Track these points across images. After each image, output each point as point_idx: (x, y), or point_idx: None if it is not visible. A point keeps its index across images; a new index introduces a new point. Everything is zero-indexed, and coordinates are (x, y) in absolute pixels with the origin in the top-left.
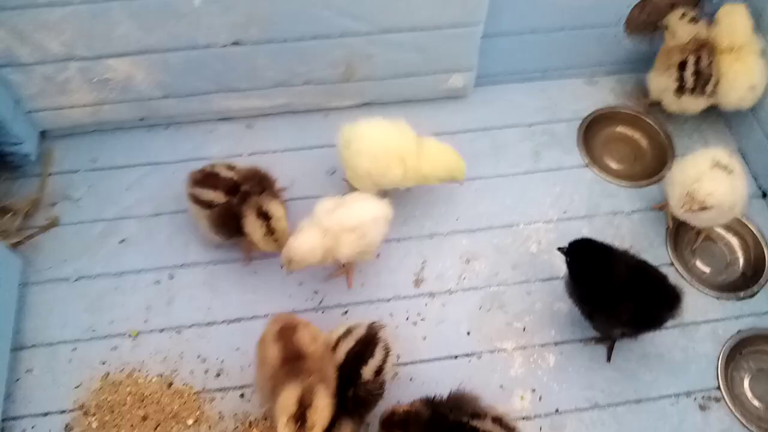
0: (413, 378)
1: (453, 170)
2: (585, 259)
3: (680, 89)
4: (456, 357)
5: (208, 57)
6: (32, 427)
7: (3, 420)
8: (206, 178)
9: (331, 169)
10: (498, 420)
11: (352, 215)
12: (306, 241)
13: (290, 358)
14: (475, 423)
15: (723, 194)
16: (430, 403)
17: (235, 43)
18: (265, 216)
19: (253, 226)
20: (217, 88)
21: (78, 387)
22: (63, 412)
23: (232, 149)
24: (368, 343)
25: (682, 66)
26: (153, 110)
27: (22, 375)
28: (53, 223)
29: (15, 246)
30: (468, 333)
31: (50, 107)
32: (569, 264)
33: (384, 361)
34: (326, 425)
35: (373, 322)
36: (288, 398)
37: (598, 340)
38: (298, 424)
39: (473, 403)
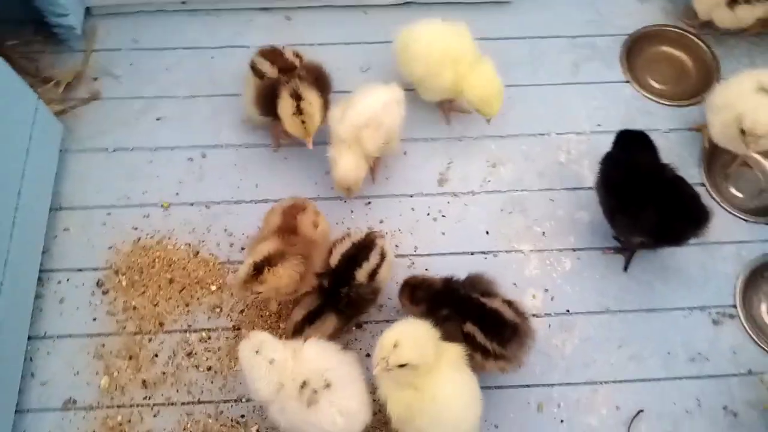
0: (428, 268)
1: (486, 103)
2: (630, 150)
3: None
4: (472, 253)
5: None
6: (67, 280)
7: (41, 271)
8: (270, 53)
9: (365, 66)
10: (509, 303)
11: (360, 112)
12: (347, 165)
13: (285, 229)
14: (484, 300)
15: None
16: (448, 280)
17: None
18: (298, 97)
19: (284, 104)
20: None
21: (110, 248)
22: (96, 269)
23: (270, 39)
24: (364, 247)
25: None
26: None
27: (59, 233)
28: (94, 96)
29: (58, 114)
30: (487, 232)
31: None
32: (613, 148)
33: (378, 266)
34: (276, 289)
35: (373, 231)
36: (261, 249)
37: (618, 250)
38: (255, 272)
39: (488, 285)
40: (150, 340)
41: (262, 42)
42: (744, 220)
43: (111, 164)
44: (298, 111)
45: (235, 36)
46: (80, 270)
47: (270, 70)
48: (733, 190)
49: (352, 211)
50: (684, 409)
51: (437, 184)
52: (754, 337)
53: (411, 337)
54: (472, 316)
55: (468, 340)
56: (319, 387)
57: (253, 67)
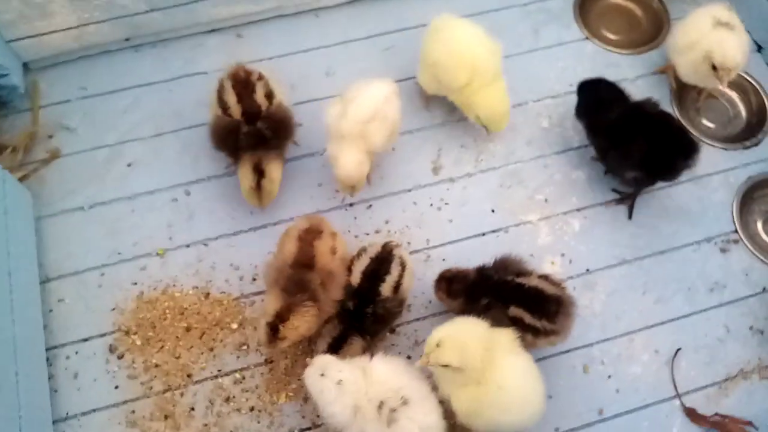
0: (446, 259)
1: (492, 120)
2: (605, 96)
3: None
4: (484, 234)
5: None
6: (76, 353)
7: (47, 350)
8: (241, 85)
9: (329, 70)
10: (544, 277)
11: (365, 106)
12: (350, 162)
13: (301, 263)
14: (520, 280)
15: (737, 50)
16: (480, 269)
17: None
18: (260, 172)
19: (245, 175)
20: None
21: (114, 309)
22: (104, 335)
23: (226, 61)
24: (383, 260)
25: None
26: (138, 27)
27: (54, 305)
28: (55, 155)
29: (21, 180)
30: (492, 211)
31: (31, 34)
32: (587, 97)
33: (401, 276)
34: (299, 336)
35: (388, 241)
36: (270, 305)
37: (619, 201)
38: (273, 331)
39: (519, 264)
40: (182, 394)
41: (217, 64)
42: (723, 149)
43: (91, 222)
44: (257, 187)
45: (188, 64)
46: (86, 340)
47: (234, 107)
48: (706, 122)
49: (355, 218)
50: (716, 339)
51: (432, 174)
52: (760, 257)
53: (455, 339)
54: (514, 299)
55: (516, 324)
56: (397, 405)
57: (219, 91)
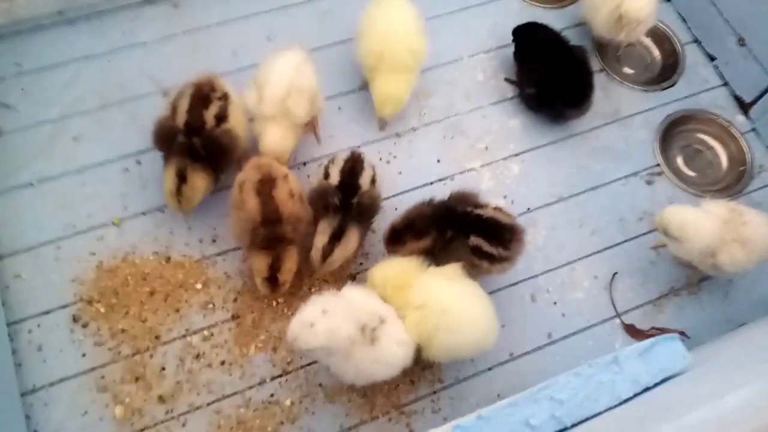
0: (398, 208)
1: (383, 102)
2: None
3: None
4: (432, 183)
5: None
6: (38, 326)
7: (7, 325)
8: (199, 95)
9: (270, 35)
10: (498, 209)
11: (277, 84)
12: (273, 138)
13: (270, 220)
14: (478, 211)
15: (645, 3)
16: (428, 202)
17: None
18: (183, 178)
19: (168, 178)
20: None
21: (74, 281)
22: (65, 306)
23: (165, 30)
24: (356, 161)
25: None
26: (70, 0)
27: (10, 282)
28: None
29: None
30: (438, 161)
31: None
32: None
33: (374, 172)
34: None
35: (353, 150)
36: (261, 264)
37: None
38: (272, 283)
39: (474, 198)
40: (151, 356)
41: (157, 34)
42: (643, 91)
43: (41, 198)
44: (179, 192)
45: (126, 35)
46: (48, 312)
47: (181, 114)
48: (627, 69)
49: (308, 176)
50: (648, 262)
51: (378, 129)
52: (682, 186)
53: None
54: (474, 228)
55: (475, 252)
56: (376, 324)
57: (178, 93)
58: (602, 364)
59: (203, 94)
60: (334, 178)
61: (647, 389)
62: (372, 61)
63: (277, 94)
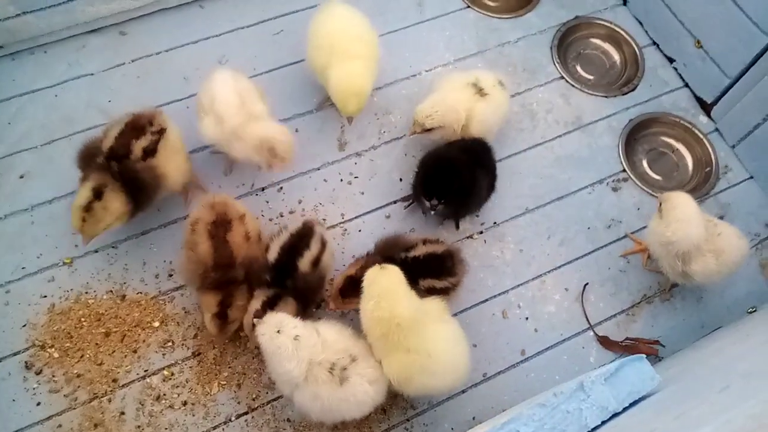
0: (361, 229)
1: (345, 97)
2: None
3: None
4: (395, 202)
5: None
6: None
7: None
8: (133, 126)
9: (222, 59)
10: (423, 240)
11: (225, 94)
12: (274, 131)
13: (222, 265)
14: (412, 254)
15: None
16: (367, 259)
17: None
18: (98, 195)
19: (81, 191)
20: None
21: (24, 326)
22: (17, 353)
23: (112, 60)
24: (303, 236)
25: None
26: (12, 33)
27: None
28: None
29: None
30: (400, 179)
31: None
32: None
33: (321, 252)
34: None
35: (309, 220)
36: (210, 301)
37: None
38: (221, 320)
39: (400, 240)
40: (110, 400)
41: (105, 65)
42: (604, 96)
43: None
44: (87, 207)
45: (72, 67)
46: None
47: (108, 139)
48: (586, 74)
49: (267, 201)
50: (618, 270)
51: (338, 150)
52: (648, 191)
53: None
54: (418, 272)
55: (431, 292)
56: (347, 363)
57: (114, 123)
58: (568, 393)
59: (139, 125)
60: (273, 253)
61: (615, 415)
62: (323, 57)
63: (231, 103)
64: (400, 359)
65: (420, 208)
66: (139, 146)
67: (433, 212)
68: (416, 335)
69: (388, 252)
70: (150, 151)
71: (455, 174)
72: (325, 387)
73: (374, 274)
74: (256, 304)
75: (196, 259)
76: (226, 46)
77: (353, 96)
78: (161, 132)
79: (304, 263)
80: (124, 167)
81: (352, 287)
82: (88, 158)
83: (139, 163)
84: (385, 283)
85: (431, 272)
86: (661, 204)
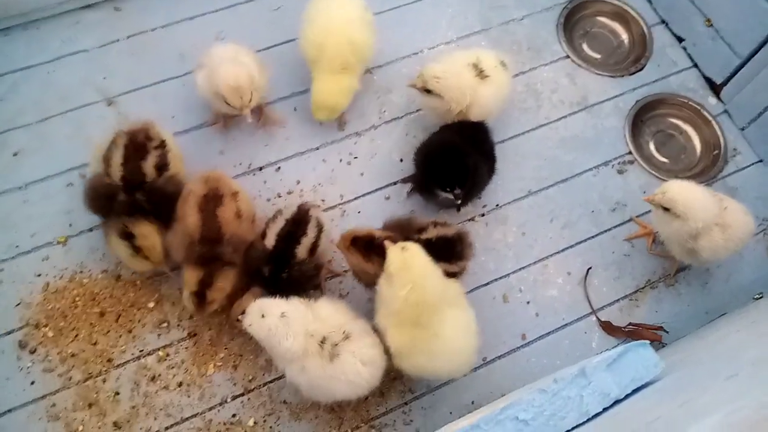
0: (361, 211)
1: (318, 107)
2: None
3: None
4: (395, 183)
5: None
6: None
7: None
8: (134, 145)
9: (219, 35)
10: (434, 223)
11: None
12: (229, 73)
13: (208, 239)
14: (424, 236)
15: None
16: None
17: None
18: (129, 236)
19: (118, 247)
20: None
21: (19, 305)
22: (11, 332)
23: (107, 36)
24: (300, 222)
25: None
26: (4, 8)
27: None
28: None
29: None
30: (401, 160)
31: None
32: None
33: (317, 238)
34: (224, 300)
35: (304, 203)
36: (191, 277)
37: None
38: (199, 299)
39: (413, 221)
40: (104, 380)
41: (100, 41)
42: (611, 76)
43: None
44: (136, 250)
45: (66, 43)
46: None
47: (116, 167)
48: (593, 53)
49: (265, 181)
50: (622, 255)
51: (338, 129)
52: (655, 174)
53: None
54: (431, 255)
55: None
56: (339, 340)
57: (110, 146)
58: (569, 378)
59: (138, 144)
60: (270, 240)
61: (617, 402)
62: (313, 52)
63: (225, 56)
64: (407, 332)
65: (423, 197)
66: (149, 166)
67: (459, 201)
68: (436, 314)
69: (403, 232)
70: (163, 166)
71: (467, 159)
72: (313, 360)
73: (401, 257)
74: (249, 299)
75: (182, 231)
76: (224, 23)
77: (327, 110)
78: (163, 144)
79: (302, 251)
80: (149, 193)
81: (365, 246)
82: (105, 199)
83: (157, 181)
84: (419, 268)
85: (442, 256)
86: (670, 209)
